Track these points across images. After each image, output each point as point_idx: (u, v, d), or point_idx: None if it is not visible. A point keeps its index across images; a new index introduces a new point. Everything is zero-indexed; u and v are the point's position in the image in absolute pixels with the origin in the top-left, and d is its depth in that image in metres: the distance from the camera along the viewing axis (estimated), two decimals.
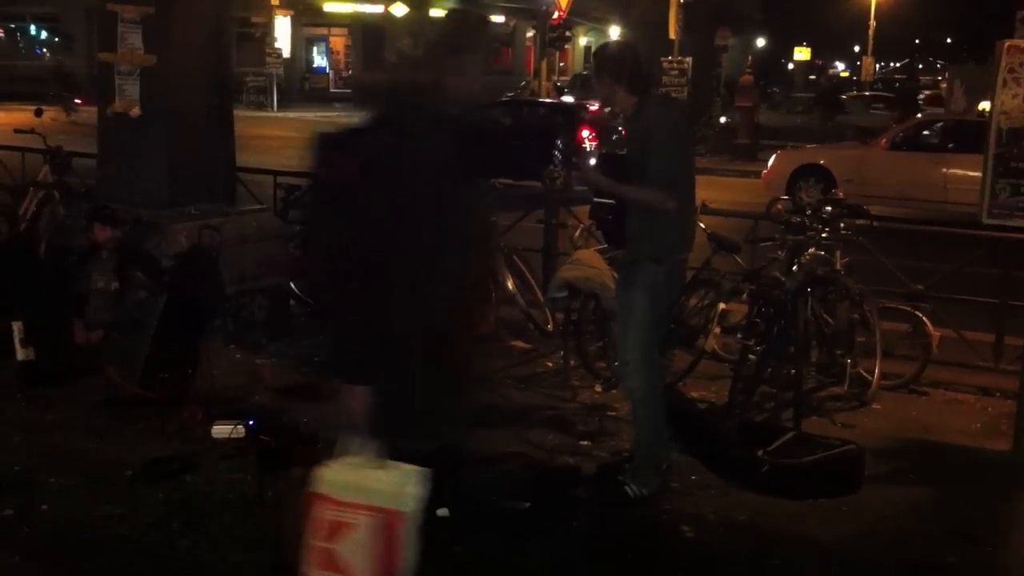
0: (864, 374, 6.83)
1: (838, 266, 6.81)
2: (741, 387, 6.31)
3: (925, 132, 16.69)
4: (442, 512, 4.73)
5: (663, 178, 4.89)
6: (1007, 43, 5.93)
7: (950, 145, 15.54)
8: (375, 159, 3.18)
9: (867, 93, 34.54)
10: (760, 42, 58.13)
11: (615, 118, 5.21)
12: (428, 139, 3.21)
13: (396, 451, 3.22)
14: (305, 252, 3.53)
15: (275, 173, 9.93)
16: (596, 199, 5.25)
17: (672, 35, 24.97)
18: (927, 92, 37.46)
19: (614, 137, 17.00)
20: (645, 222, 4.94)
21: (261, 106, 35.95)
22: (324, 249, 3.26)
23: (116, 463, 5.32)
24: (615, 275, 6.44)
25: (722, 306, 6.97)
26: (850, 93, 38.62)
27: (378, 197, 3.15)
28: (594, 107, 21.75)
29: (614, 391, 6.60)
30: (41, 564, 4.42)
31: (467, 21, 3.58)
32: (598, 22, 50.82)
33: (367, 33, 45.91)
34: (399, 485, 3.17)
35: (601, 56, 5.20)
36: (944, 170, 14.85)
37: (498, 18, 50.45)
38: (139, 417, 5.94)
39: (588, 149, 17.53)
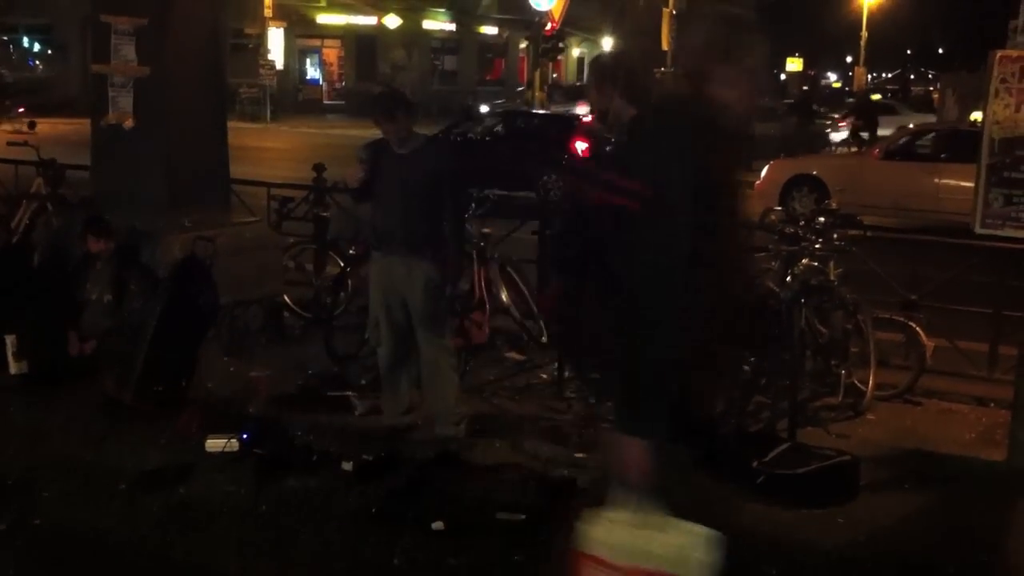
0: (858, 384, 6.83)
1: (832, 276, 6.81)
2: (736, 397, 6.31)
3: (918, 142, 16.72)
4: (437, 525, 4.74)
5: None
6: (999, 53, 5.95)
7: (943, 155, 15.56)
8: (662, 177, 2.89)
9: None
10: None
11: (610, 129, 5.13)
12: (710, 150, 2.93)
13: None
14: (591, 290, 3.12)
15: (269, 185, 9.93)
16: None
17: (665, 46, 25.05)
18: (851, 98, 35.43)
19: (607, 148, 16.97)
20: None
21: (255, 117, 35.93)
22: (639, 284, 2.84)
23: (111, 473, 5.31)
24: None
25: None
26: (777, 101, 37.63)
27: (675, 216, 2.86)
28: (587, 118, 21.78)
29: (609, 402, 6.58)
30: (37, 574, 4.40)
31: (738, 25, 3.11)
32: (591, 33, 50.91)
33: (360, 44, 45.99)
34: (685, 549, 2.81)
35: (599, 63, 5.19)
36: (937, 180, 14.87)
37: (491, 29, 50.57)
38: (135, 427, 5.93)
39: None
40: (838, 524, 5.06)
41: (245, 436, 5.62)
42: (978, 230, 6.10)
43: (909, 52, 67.49)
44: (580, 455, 5.87)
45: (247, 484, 5.22)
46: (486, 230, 8.01)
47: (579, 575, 2.83)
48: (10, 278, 7.21)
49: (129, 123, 7.47)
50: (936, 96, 36.14)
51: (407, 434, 6.04)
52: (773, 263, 6.85)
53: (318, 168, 9.33)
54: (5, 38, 42.46)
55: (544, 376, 7.37)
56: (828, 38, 56.69)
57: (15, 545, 4.61)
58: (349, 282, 8.11)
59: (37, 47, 43.66)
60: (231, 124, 8.66)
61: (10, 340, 6.74)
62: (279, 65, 39.47)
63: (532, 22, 30.57)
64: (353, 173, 6.10)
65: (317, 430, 6.01)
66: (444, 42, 49.75)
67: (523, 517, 4.80)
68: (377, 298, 6.11)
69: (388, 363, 6.17)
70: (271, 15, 38.44)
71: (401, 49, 45.17)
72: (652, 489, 2.84)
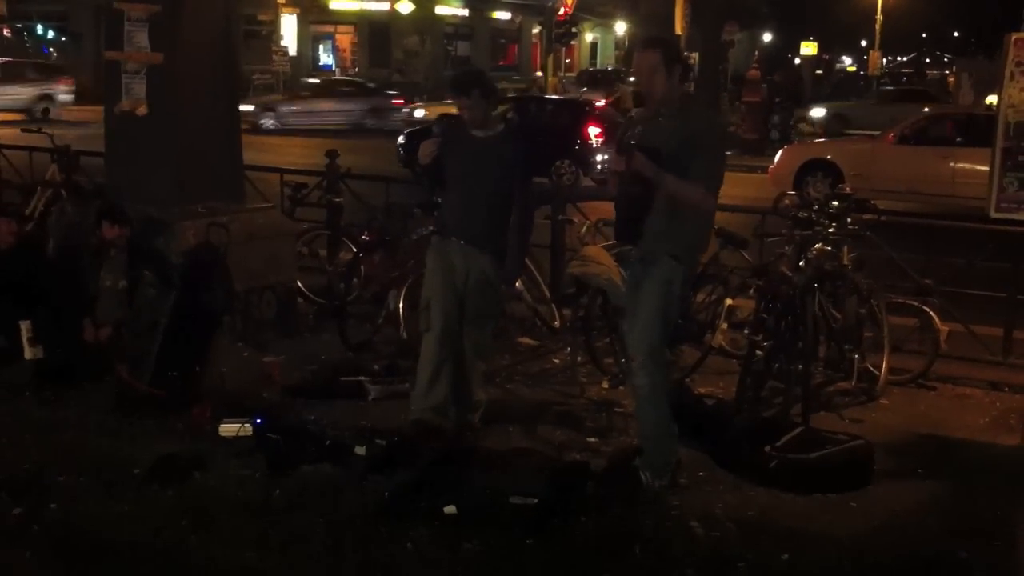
0: (872, 369, 6.82)
1: (846, 261, 6.80)
2: (749, 383, 6.31)
3: (933, 126, 16.64)
4: (450, 509, 4.75)
5: (714, 180, 4.92)
6: (1014, 36, 5.94)
7: (958, 139, 15.50)
8: None
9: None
10: (767, 37, 57.96)
11: (624, 113, 5.12)
12: None
13: None
14: None
15: (282, 171, 9.95)
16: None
17: (679, 30, 24.98)
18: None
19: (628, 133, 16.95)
20: (672, 220, 4.91)
21: None
22: None
23: (126, 461, 5.34)
24: (622, 271, 6.45)
25: (730, 302, 6.97)
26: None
27: None
28: (601, 103, 21.75)
29: (622, 387, 6.61)
30: (51, 563, 4.43)
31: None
32: (604, 17, 50.80)
33: (373, 30, 45.97)
34: None
35: (671, 44, 5.08)
36: (952, 164, 14.81)
37: (504, 14, 50.46)
38: (149, 415, 5.95)
39: (596, 146, 17.52)
40: (851, 509, 5.06)
41: (259, 421, 5.64)
42: (993, 214, 6.09)
43: (924, 36, 67.06)
44: (593, 440, 5.89)
45: (261, 470, 5.25)
46: None
47: None
48: (25, 265, 7.24)
49: (143, 110, 7.47)
50: (952, 80, 35.94)
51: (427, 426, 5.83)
52: (787, 248, 6.84)
53: (331, 155, 9.34)
54: (19, 25, 42.55)
55: (557, 361, 7.39)
56: (843, 22, 56.35)
57: (31, 532, 4.64)
58: (362, 268, 8.13)
59: (51, 34, 43.77)
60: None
61: (25, 326, 6.77)
62: (292, 52, 39.51)
63: (545, 7, 30.51)
64: (426, 147, 5.67)
65: (330, 415, 6.03)
66: (457, 28, 49.67)
67: (536, 501, 4.81)
68: (435, 281, 5.77)
69: (432, 351, 5.73)
70: (284, 1, 38.49)
71: (414, 35, 45.11)
72: None
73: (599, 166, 16.67)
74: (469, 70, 6.10)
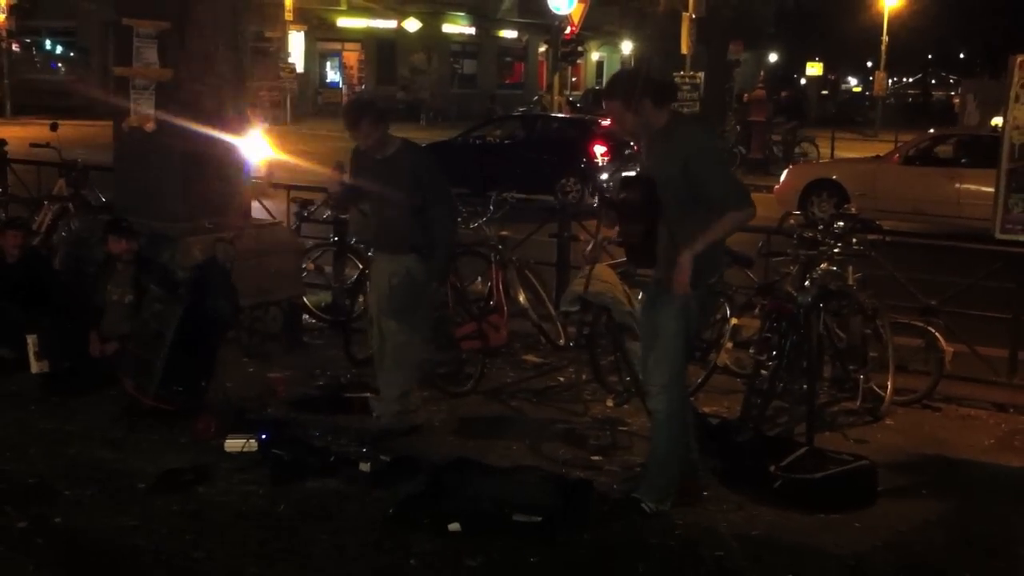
0: (877, 389, 6.81)
1: (850, 281, 6.80)
2: (754, 402, 6.30)
3: (938, 147, 16.65)
4: (454, 527, 4.75)
5: (736, 189, 5.00)
6: (1019, 58, 5.95)
7: (963, 160, 15.51)
8: None
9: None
10: (773, 57, 58.05)
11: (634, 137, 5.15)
12: None
13: None
14: None
15: (289, 187, 9.97)
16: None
17: (684, 50, 24.97)
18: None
19: (626, 151, 16.99)
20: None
21: (275, 121, 36.05)
22: None
23: (131, 474, 5.35)
24: (627, 290, 6.47)
25: (735, 321, 6.97)
26: None
27: None
28: (607, 122, 21.78)
29: (626, 405, 6.61)
30: (56, 575, 4.44)
31: None
32: (611, 37, 50.91)
33: (380, 48, 46.09)
34: None
35: (623, 81, 5.09)
36: (957, 185, 14.80)
37: (510, 33, 50.60)
38: (154, 428, 5.97)
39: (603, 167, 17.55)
40: (855, 529, 5.05)
41: (264, 437, 5.66)
42: (998, 235, 6.10)
43: (930, 57, 67.12)
44: (597, 458, 5.89)
45: (265, 485, 5.26)
46: (504, 233, 8.04)
47: None
48: (32, 279, 7.27)
49: (151, 126, 7.50)
50: (957, 101, 35.99)
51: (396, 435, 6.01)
52: (792, 267, 6.85)
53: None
54: (28, 40, 42.72)
55: (562, 379, 7.39)
56: (848, 42, 56.43)
57: (36, 544, 4.65)
58: (367, 284, 8.14)
59: (60, 50, 43.95)
60: None
61: (31, 340, 6.80)
62: (299, 68, 39.59)
63: (551, 26, 30.55)
64: (331, 183, 6.33)
65: (335, 432, 6.03)
66: (464, 46, 49.79)
67: (540, 519, 4.81)
68: (371, 299, 6.28)
69: (378, 363, 6.21)
70: (292, 19, 38.56)
71: (421, 53, 45.25)
72: None
73: (605, 184, 16.70)
74: (354, 103, 6.46)
